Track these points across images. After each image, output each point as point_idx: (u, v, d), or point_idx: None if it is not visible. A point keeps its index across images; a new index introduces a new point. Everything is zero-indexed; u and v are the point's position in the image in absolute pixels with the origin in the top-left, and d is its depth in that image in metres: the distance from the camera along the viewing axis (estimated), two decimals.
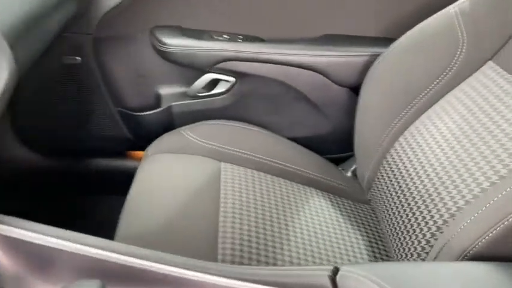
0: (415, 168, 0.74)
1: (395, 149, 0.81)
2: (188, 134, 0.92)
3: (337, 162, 1.06)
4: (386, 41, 0.90)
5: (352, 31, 1.00)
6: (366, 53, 0.94)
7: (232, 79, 1.00)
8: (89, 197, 1.11)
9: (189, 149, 0.88)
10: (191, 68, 0.99)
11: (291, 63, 0.96)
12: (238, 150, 0.89)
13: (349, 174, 1.01)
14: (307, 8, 0.98)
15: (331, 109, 1.02)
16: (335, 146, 1.07)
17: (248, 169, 0.85)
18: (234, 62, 0.97)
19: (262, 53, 0.95)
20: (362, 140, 0.90)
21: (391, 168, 0.80)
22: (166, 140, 0.93)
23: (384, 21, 0.99)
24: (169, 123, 1.04)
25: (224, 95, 1.02)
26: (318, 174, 0.92)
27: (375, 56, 0.90)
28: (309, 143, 1.04)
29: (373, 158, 0.85)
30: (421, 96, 0.79)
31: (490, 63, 0.74)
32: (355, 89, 0.97)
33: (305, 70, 0.96)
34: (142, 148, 0.96)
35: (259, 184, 0.82)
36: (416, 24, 0.83)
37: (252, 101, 1.03)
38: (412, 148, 0.77)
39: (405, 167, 0.76)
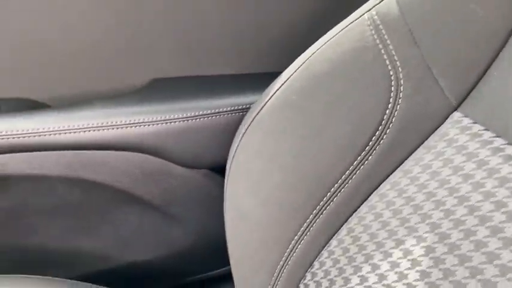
0: None
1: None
2: None
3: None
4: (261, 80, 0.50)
5: (198, 69, 0.59)
6: (226, 108, 0.54)
7: None
8: None
9: None
10: None
11: (90, 145, 0.52)
12: None
13: None
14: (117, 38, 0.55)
15: (181, 209, 0.59)
16: (200, 264, 0.65)
17: None
18: None
19: (26, 133, 0.51)
20: (241, 257, 0.49)
21: None
22: None
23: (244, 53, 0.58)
24: None
25: None
26: None
27: (243, 112, 0.51)
28: (160, 266, 0.62)
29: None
30: (337, 185, 0.40)
31: (457, 115, 0.37)
32: (218, 169, 0.56)
33: (120, 152, 0.53)
34: None
35: None
36: (303, 50, 0.44)
37: (29, 217, 0.57)
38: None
39: None
